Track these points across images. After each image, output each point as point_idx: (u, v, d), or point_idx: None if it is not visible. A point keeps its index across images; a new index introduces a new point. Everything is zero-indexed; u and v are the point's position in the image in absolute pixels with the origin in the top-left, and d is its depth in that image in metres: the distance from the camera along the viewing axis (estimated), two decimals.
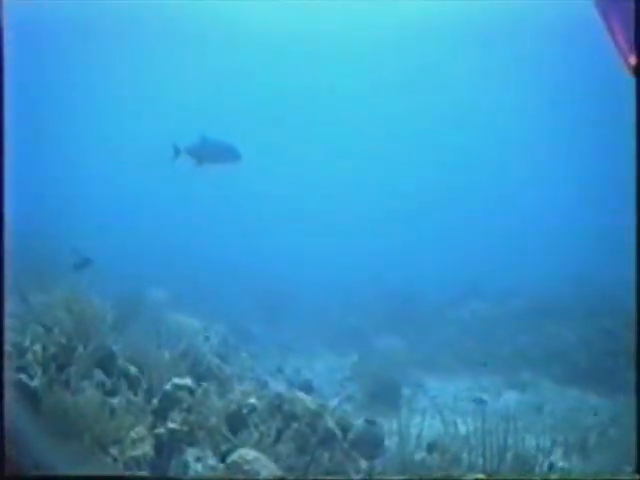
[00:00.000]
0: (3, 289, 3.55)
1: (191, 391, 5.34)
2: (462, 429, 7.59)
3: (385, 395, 8.86)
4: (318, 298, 13.37)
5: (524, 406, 8.43)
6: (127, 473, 4.64)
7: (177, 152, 8.93)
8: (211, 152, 8.93)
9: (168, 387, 5.32)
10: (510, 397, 8.99)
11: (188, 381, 5.44)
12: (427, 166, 24.71)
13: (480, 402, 7.28)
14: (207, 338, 8.42)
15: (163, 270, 12.39)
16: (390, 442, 7.07)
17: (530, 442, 6.15)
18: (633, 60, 2.59)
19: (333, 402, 8.47)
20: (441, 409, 8.48)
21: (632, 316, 9.44)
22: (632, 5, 2.64)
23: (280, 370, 8.86)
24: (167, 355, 6.41)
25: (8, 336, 3.93)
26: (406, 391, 9.17)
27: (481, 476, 5.34)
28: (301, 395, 6.17)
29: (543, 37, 17.31)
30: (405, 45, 20.44)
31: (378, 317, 12.83)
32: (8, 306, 3.66)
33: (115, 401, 5.21)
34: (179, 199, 20.74)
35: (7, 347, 3.96)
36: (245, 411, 5.52)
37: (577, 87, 18.55)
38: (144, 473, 4.67)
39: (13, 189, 3.63)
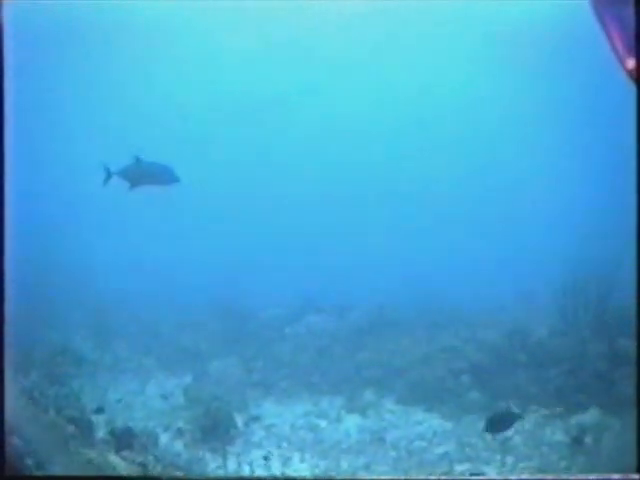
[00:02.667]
0: (3, 289, 3.59)
1: None
2: (299, 468, 6.92)
3: (218, 426, 7.97)
4: (152, 315, 12.65)
5: (366, 434, 7.75)
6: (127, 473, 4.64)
7: (108, 175, 8.25)
8: (145, 174, 8.36)
9: None
10: (351, 422, 8.29)
11: None
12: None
13: None
14: None
15: None
16: None
17: None
18: (631, 64, 2.53)
19: (163, 439, 7.66)
20: (278, 441, 7.80)
21: (476, 332, 9.04)
22: (630, 8, 2.61)
23: (100, 410, 7.73)
24: None
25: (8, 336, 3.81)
26: (242, 419, 8.33)
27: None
28: (114, 459, 5.12)
29: (542, 40, 17.26)
30: (406, 43, 20.41)
31: (213, 335, 12.02)
32: (8, 307, 3.66)
33: None
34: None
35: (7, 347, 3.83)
36: None
37: (577, 88, 18.52)
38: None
39: None
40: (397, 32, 20.15)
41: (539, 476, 5.69)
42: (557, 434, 6.78)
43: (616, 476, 3.81)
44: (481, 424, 7.48)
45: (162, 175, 8.41)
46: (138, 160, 8.34)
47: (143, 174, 8.35)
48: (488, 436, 6.91)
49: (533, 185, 20.68)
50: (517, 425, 6.95)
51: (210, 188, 22.06)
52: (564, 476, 5.51)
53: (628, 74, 2.51)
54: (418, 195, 21.73)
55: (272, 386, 9.87)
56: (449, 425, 7.66)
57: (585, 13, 2.54)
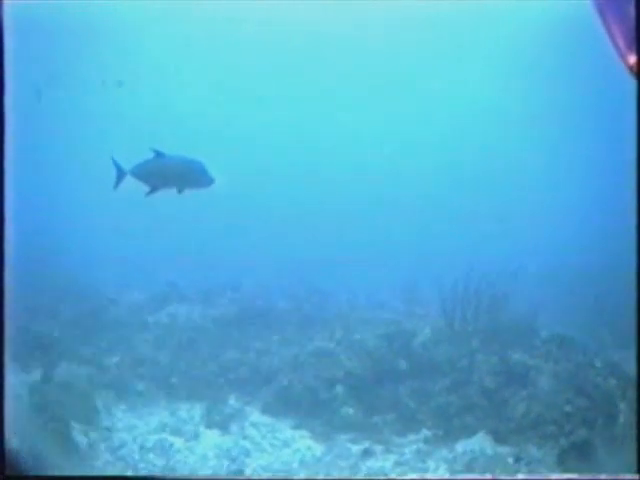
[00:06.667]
0: (3, 287, 3.60)
1: None
2: None
3: (58, 444, 6.69)
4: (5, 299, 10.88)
5: (224, 461, 6.64)
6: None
7: (121, 174, 6.62)
8: (169, 173, 6.58)
9: None
10: (210, 441, 7.16)
11: None
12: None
13: None
14: None
15: None
16: None
17: None
18: (632, 60, 2.50)
19: None
20: (124, 469, 6.64)
21: (352, 333, 8.07)
22: (630, 4, 2.57)
23: None
24: None
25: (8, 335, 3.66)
26: (87, 436, 7.07)
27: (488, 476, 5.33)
28: None
29: (543, 37, 16.74)
30: (404, 45, 20.10)
31: (67, 323, 10.57)
32: (9, 306, 3.66)
33: None
34: None
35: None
36: None
37: (578, 86, 17.95)
38: None
39: None
40: (401, 38, 20.08)
41: (539, 476, 5.40)
42: (441, 468, 5.85)
43: (617, 477, 3.81)
44: (355, 448, 6.55)
45: (192, 174, 6.62)
46: (159, 155, 6.55)
47: (166, 173, 6.60)
48: (363, 467, 5.96)
49: (435, 180, 20.42)
50: (396, 454, 6.04)
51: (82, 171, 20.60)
52: (565, 476, 5.30)
53: (629, 69, 2.47)
54: (308, 183, 20.97)
55: (127, 388, 8.62)
56: (319, 449, 6.63)
57: (586, 9, 2.44)
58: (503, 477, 5.42)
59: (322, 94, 23.15)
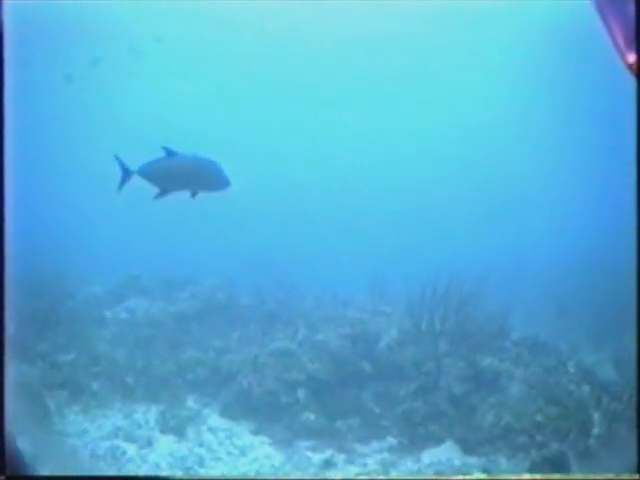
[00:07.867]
0: (3, 287, 3.45)
1: None
2: None
3: (6, 448, 6.22)
4: None
5: (177, 471, 6.26)
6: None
7: (127, 174, 5.92)
8: (181, 175, 5.90)
9: None
10: (164, 448, 6.77)
11: None
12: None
13: None
14: None
15: None
16: None
17: None
18: (631, 58, 2.49)
19: None
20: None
21: (315, 333, 7.70)
22: (630, 3, 2.56)
23: None
24: None
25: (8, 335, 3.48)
26: (37, 442, 6.59)
27: (482, 476, 5.34)
28: None
29: (542, 37, 16.68)
30: (405, 46, 19.99)
31: (25, 319, 10.04)
32: (9, 305, 3.58)
33: None
34: None
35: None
36: None
37: (579, 87, 17.95)
38: None
39: None
40: (402, 40, 19.80)
41: (540, 476, 5.14)
42: None
43: (617, 477, 3.73)
44: (316, 457, 6.19)
45: (207, 176, 5.89)
46: (170, 153, 5.85)
47: (179, 174, 5.89)
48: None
49: (414, 179, 20.22)
50: (358, 465, 5.69)
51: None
52: (565, 476, 5.23)
53: (628, 68, 2.45)
54: (277, 179, 20.61)
55: (81, 388, 8.13)
56: (278, 458, 6.27)
57: (586, 8, 2.44)
58: (505, 477, 5.28)
59: (318, 95, 22.93)
